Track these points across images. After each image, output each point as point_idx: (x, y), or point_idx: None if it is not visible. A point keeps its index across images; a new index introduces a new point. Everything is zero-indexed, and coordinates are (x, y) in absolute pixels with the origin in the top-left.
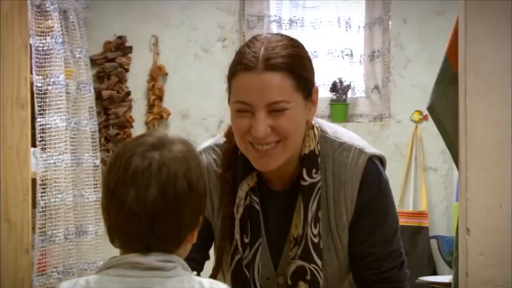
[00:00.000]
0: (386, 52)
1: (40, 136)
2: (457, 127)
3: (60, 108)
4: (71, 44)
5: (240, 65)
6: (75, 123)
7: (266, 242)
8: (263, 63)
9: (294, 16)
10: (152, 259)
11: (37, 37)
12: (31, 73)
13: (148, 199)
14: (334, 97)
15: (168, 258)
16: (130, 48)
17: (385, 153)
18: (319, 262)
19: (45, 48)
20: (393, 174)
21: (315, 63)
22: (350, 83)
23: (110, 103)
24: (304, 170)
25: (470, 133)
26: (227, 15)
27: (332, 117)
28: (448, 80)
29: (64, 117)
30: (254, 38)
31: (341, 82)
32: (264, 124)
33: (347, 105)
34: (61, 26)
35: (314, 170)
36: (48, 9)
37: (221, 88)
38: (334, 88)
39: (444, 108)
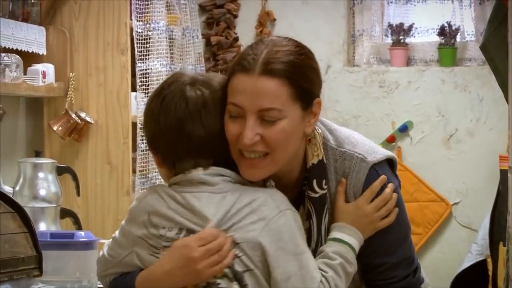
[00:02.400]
0: None
1: (140, 81)
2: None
3: (160, 53)
4: None
5: (239, 66)
6: (180, 69)
7: None
8: (261, 67)
9: None
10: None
11: None
12: (131, 19)
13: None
14: (442, 41)
15: (218, 171)
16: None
17: (494, 98)
18: None
19: None
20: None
21: (423, 8)
22: (458, 26)
23: (218, 49)
24: (315, 182)
25: None
26: None
27: (440, 61)
28: (500, 18)
29: (164, 62)
30: (260, 40)
31: (449, 25)
32: (252, 130)
33: (456, 49)
34: None
35: (324, 181)
36: None
37: (329, 33)
38: (442, 32)
39: (496, 47)
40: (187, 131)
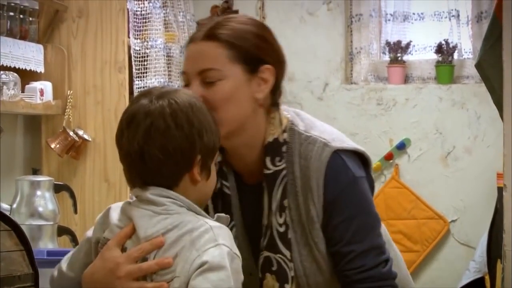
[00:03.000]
0: None
1: None
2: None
3: (158, 71)
4: (174, 9)
5: (189, 39)
6: (178, 86)
7: (246, 237)
8: (204, 33)
9: None
10: (148, 193)
11: (135, 2)
12: (129, 37)
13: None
14: (440, 58)
15: (165, 193)
16: (236, 12)
17: (492, 115)
18: (286, 252)
19: (143, 12)
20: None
21: (421, 25)
22: (456, 44)
23: None
24: (268, 159)
25: None
26: None
27: (438, 79)
28: (495, 36)
29: (162, 80)
30: (227, 16)
31: (447, 43)
32: (196, 92)
33: (453, 66)
34: None
35: (278, 158)
36: None
37: (326, 51)
38: (439, 49)
39: (492, 65)
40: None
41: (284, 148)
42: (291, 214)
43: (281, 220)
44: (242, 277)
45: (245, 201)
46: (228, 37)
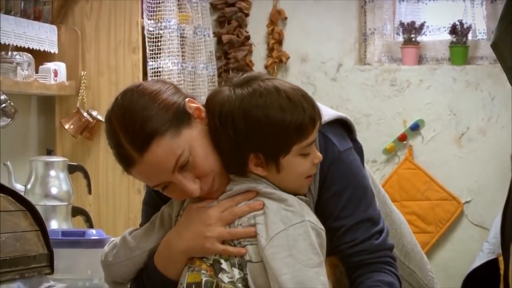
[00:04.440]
0: None
1: (152, 79)
2: None
3: (172, 51)
4: None
5: (125, 166)
6: (192, 67)
7: None
8: (135, 150)
9: None
10: None
11: None
12: (142, 18)
13: None
14: (454, 39)
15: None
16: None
17: (506, 96)
18: None
19: None
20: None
21: (435, 6)
22: (470, 25)
23: (230, 47)
24: None
25: None
26: None
27: (452, 60)
28: (511, 16)
29: (176, 61)
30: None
31: (461, 24)
32: (189, 183)
33: (467, 47)
34: None
35: None
36: None
37: (340, 32)
38: (453, 30)
39: (508, 45)
40: None
41: None
42: None
43: None
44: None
45: None
46: (153, 129)
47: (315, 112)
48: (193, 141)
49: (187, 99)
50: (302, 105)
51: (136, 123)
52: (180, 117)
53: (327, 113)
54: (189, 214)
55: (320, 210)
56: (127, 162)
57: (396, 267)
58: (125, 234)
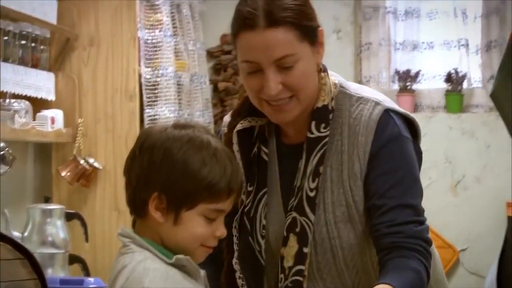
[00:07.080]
0: (504, 42)
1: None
2: None
3: (168, 99)
4: (184, 37)
5: (241, 25)
6: (188, 114)
7: (281, 201)
8: (265, 20)
9: (410, 7)
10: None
11: (146, 30)
12: (139, 65)
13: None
14: (449, 87)
15: (127, 233)
16: None
17: (501, 144)
18: (311, 216)
19: (154, 41)
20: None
21: (430, 54)
22: (465, 73)
23: (226, 95)
24: (313, 123)
25: None
26: (342, 6)
27: (447, 108)
28: (511, 67)
29: (173, 108)
30: None
31: (456, 72)
32: (275, 81)
33: (462, 95)
34: (173, 19)
35: (323, 125)
36: (157, 3)
37: None
38: (449, 78)
39: (506, 96)
40: None
41: (330, 116)
42: (332, 174)
43: (313, 185)
44: None
45: (283, 162)
46: (290, 18)
47: (234, 182)
48: (307, 56)
49: (320, 27)
50: (224, 167)
51: (278, 5)
52: (310, 30)
53: (399, 107)
54: None
55: (367, 186)
56: (248, 23)
57: (428, 261)
58: None
